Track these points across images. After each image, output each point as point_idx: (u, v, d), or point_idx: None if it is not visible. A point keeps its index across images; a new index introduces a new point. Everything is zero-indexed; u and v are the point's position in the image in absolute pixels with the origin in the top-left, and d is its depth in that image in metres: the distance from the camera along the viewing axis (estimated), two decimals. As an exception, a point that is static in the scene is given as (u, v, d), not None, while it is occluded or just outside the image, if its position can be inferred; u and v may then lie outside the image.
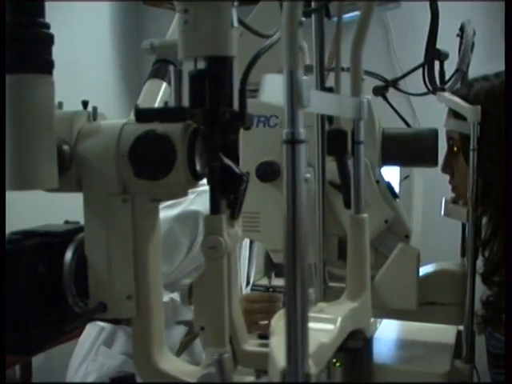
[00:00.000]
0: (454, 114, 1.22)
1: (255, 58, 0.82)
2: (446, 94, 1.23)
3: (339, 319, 0.68)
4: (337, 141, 0.77)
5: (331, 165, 1.20)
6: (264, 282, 2.23)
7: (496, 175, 1.16)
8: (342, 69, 1.38)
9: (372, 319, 1.39)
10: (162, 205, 1.55)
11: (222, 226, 0.70)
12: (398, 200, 1.25)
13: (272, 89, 0.54)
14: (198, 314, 0.73)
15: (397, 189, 1.89)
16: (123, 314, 0.75)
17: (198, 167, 0.73)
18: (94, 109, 0.78)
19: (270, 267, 2.33)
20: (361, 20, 0.76)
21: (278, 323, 0.65)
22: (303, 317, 0.53)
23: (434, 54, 1.27)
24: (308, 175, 0.53)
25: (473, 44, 1.39)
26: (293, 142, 0.52)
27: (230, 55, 0.72)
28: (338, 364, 1.16)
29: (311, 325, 0.67)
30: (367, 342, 0.74)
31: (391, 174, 1.90)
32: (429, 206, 1.68)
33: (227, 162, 0.71)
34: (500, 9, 2.16)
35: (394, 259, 1.18)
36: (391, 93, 1.39)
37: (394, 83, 1.32)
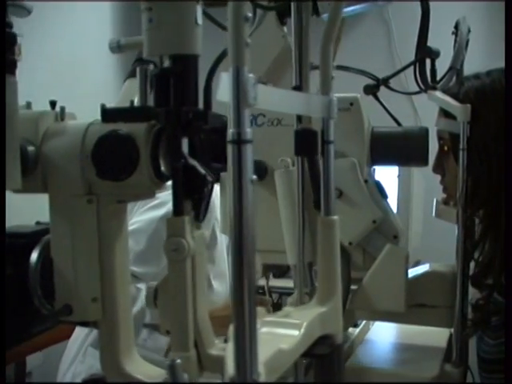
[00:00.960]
0: (445, 113, 1.19)
1: (221, 56, 0.81)
2: (437, 93, 1.21)
3: (304, 324, 0.67)
4: (305, 141, 0.75)
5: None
6: (261, 282, 2.21)
7: (485, 175, 1.13)
8: (343, 67, 1.36)
9: (364, 321, 1.38)
10: (148, 205, 1.54)
11: (185, 228, 0.68)
12: (387, 200, 1.23)
13: (224, 87, 0.53)
14: (163, 317, 0.72)
15: (395, 189, 1.88)
16: (89, 316, 0.74)
17: (163, 168, 0.72)
18: (62, 109, 0.77)
19: (268, 268, 2.31)
20: (330, 18, 0.74)
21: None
22: (251, 324, 0.51)
23: (425, 51, 1.24)
24: (254, 176, 0.51)
25: (467, 41, 1.36)
26: (239, 142, 0.50)
27: (194, 53, 0.70)
28: (324, 367, 1.15)
29: (273, 330, 0.66)
30: (337, 348, 0.72)
31: (391, 173, 1.88)
32: (430, 206, 1.65)
33: (192, 162, 0.70)
34: (500, 9, 2.12)
35: (382, 260, 1.17)
36: (392, 91, 1.37)
37: (385, 81, 1.29)
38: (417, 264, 1.89)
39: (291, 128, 1.21)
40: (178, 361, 0.60)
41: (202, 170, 0.71)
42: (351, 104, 1.18)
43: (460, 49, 1.34)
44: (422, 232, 2.01)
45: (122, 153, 0.69)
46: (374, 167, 1.26)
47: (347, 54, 2.21)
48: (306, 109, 0.70)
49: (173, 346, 0.69)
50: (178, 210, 0.69)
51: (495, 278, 1.13)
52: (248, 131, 0.50)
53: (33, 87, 2.27)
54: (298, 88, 0.87)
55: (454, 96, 1.18)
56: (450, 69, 1.33)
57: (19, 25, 2.14)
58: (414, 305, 1.21)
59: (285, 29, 1.28)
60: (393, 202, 1.86)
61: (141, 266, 1.48)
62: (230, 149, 0.50)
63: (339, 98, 1.18)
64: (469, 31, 1.39)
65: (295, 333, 0.65)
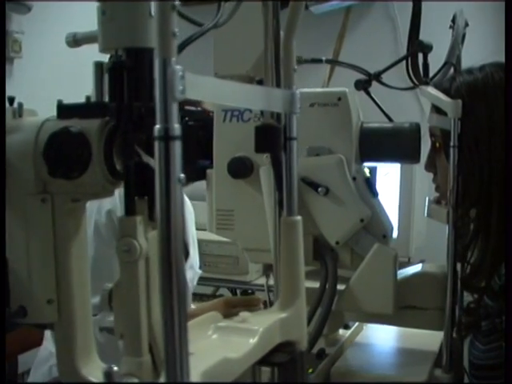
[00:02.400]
0: (436, 109, 1.15)
1: (182, 46, 0.78)
2: (428, 88, 1.16)
3: (260, 331, 0.64)
4: (266, 137, 0.72)
5: (303, 161, 1.16)
6: (261, 281, 2.18)
7: (476, 174, 1.09)
8: (334, 61, 1.33)
9: (357, 323, 1.34)
10: None
11: (137, 229, 0.65)
12: (378, 198, 1.19)
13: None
14: (117, 321, 0.69)
15: (397, 187, 1.84)
16: (44, 318, 0.72)
17: (117, 166, 0.69)
18: (20, 105, 0.75)
19: (269, 267, 2.28)
20: (292, 9, 0.70)
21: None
22: (181, 330, 0.49)
23: (416, 45, 1.20)
24: (182, 175, 0.48)
25: (464, 35, 1.32)
26: (166, 138, 0.47)
27: (149, 47, 0.68)
28: (310, 371, 1.12)
29: (225, 337, 0.63)
30: (300, 355, 0.69)
31: (392, 171, 1.84)
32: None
33: (146, 159, 0.67)
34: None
35: (370, 260, 1.13)
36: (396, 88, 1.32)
37: (376, 76, 1.25)
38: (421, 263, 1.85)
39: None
40: (115, 368, 0.57)
41: (157, 169, 0.68)
42: (339, 99, 1.14)
43: (455, 43, 1.30)
44: (427, 231, 1.97)
45: (73, 150, 0.67)
46: (365, 164, 1.22)
47: (353, 50, 2.17)
48: (265, 103, 0.66)
49: (125, 351, 0.67)
50: (129, 209, 0.66)
51: (485, 280, 1.09)
52: (176, 127, 0.47)
53: (33, 84, 2.28)
54: (261, 82, 0.83)
55: (446, 91, 1.13)
56: (446, 63, 1.28)
57: (20, 22, 2.14)
58: (404, 306, 1.17)
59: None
60: (394, 200, 1.82)
61: None
62: (156, 146, 0.47)
63: (327, 93, 1.17)
64: (466, 25, 1.34)
65: (248, 340, 0.62)
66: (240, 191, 1.19)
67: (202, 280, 2.16)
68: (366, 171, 1.82)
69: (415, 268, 1.21)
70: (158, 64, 0.47)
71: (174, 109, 0.47)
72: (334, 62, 1.23)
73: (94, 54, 0.96)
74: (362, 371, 1.14)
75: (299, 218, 0.72)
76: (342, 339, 1.27)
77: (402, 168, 1.81)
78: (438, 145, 1.18)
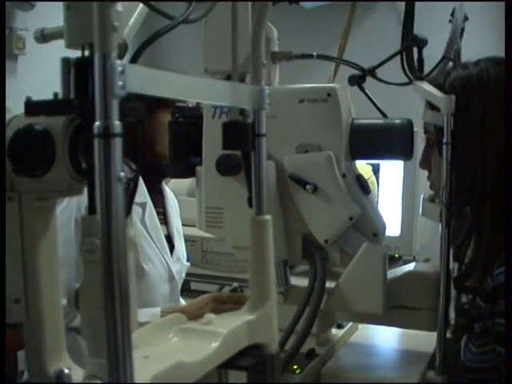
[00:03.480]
0: (430, 105, 1.12)
1: (150, 40, 0.77)
2: (423, 84, 1.14)
3: (224, 333, 0.62)
4: (234, 134, 0.70)
5: (292, 158, 1.14)
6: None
7: (469, 171, 1.06)
8: (326, 57, 1.30)
9: (351, 323, 1.32)
10: None
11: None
12: (369, 196, 1.17)
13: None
14: (83, 321, 0.68)
15: (399, 185, 1.80)
16: (11, 318, 0.71)
17: (83, 164, 0.68)
18: (-9, 101, 0.74)
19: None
20: (259, 4, 0.69)
21: (143, 334, 0.60)
22: (124, 335, 0.47)
23: (411, 40, 1.17)
24: (122, 174, 0.47)
25: (462, 30, 1.28)
26: (106, 135, 0.46)
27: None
28: (298, 371, 1.10)
29: (186, 340, 0.61)
30: (270, 358, 0.68)
31: (395, 169, 1.81)
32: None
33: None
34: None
35: (359, 259, 1.11)
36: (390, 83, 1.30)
37: (370, 72, 1.23)
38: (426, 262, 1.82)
39: (268, 120, 1.15)
40: (67, 370, 0.56)
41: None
42: (328, 94, 1.12)
43: (453, 37, 1.27)
44: (432, 229, 1.93)
45: (37, 148, 0.66)
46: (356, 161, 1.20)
47: (358, 46, 2.13)
48: (232, 99, 0.65)
49: (89, 352, 0.66)
50: (92, 208, 0.65)
51: (477, 281, 1.06)
52: (117, 124, 0.46)
53: (37, 81, 2.28)
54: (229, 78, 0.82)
55: (440, 87, 1.10)
56: (443, 58, 1.25)
57: (24, 19, 2.14)
58: (395, 306, 1.15)
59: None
60: (398, 198, 1.79)
61: None
62: (96, 143, 0.46)
63: (316, 89, 1.14)
64: (466, 19, 1.31)
65: (209, 343, 0.60)
66: (229, 189, 1.17)
67: (203, 278, 2.16)
68: (369, 168, 1.80)
69: (408, 267, 1.19)
70: (97, 59, 0.45)
71: (114, 105, 0.46)
72: (325, 58, 1.21)
73: None
74: (352, 372, 1.12)
75: (269, 217, 0.70)
76: (335, 339, 1.25)
77: (405, 165, 1.78)
78: (431, 142, 1.15)
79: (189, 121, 1.23)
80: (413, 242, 1.79)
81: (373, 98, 1.26)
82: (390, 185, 1.80)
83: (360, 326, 1.34)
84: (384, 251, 1.10)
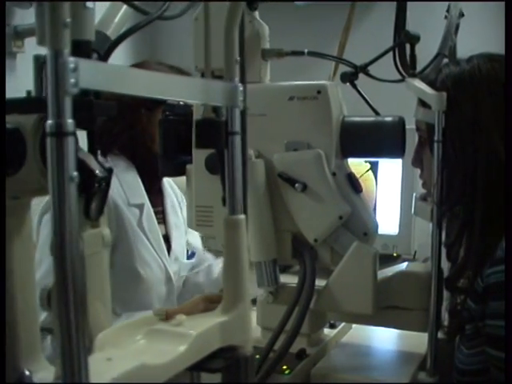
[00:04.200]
0: (422, 102, 1.10)
1: (122, 36, 0.76)
2: (414, 81, 1.12)
3: (194, 335, 0.61)
4: (207, 132, 0.69)
5: (281, 156, 1.12)
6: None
7: (460, 169, 1.04)
8: (317, 54, 1.29)
9: (343, 323, 1.31)
10: None
11: (69, 227, 0.63)
12: (360, 194, 1.15)
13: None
14: (55, 321, 0.67)
15: (398, 184, 1.78)
16: (-15, 318, 0.70)
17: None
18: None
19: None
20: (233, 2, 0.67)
21: (110, 335, 0.59)
22: (78, 336, 0.46)
23: (403, 36, 1.15)
24: (75, 173, 0.46)
25: (457, 26, 1.26)
26: (59, 134, 0.45)
27: (84, 39, 0.65)
28: (287, 372, 1.09)
29: (153, 342, 0.60)
30: (244, 360, 0.66)
31: (393, 167, 1.79)
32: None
33: (82, 156, 0.65)
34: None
35: (348, 259, 1.09)
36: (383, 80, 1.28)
37: (363, 69, 1.21)
38: (426, 261, 1.79)
39: (258, 118, 1.15)
40: (27, 372, 0.55)
41: (93, 165, 0.66)
42: (318, 92, 1.10)
43: (448, 33, 1.25)
44: (431, 228, 1.91)
45: (8, 146, 0.65)
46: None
47: (359, 44, 2.12)
48: (204, 96, 0.63)
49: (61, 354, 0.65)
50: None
51: (468, 281, 1.04)
52: (69, 122, 0.45)
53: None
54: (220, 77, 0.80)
55: (431, 83, 1.09)
56: (437, 55, 1.24)
57: (23, 16, 2.14)
58: (386, 307, 1.13)
59: (257, 13, 1.22)
60: (396, 197, 1.77)
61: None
62: (48, 142, 0.45)
63: (306, 86, 1.13)
64: (461, 15, 1.29)
65: (177, 345, 0.59)
66: (218, 187, 1.15)
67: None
68: (366, 166, 1.79)
69: (398, 267, 1.17)
70: (49, 56, 0.44)
71: (67, 103, 0.45)
72: (316, 55, 1.19)
73: None
74: (342, 373, 1.11)
75: (242, 216, 0.69)
76: (326, 339, 1.24)
77: (403, 163, 1.76)
78: (423, 139, 1.13)
79: (179, 119, 1.22)
80: (411, 240, 1.77)
81: (365, 96, 1.24)
82: (389, 183, 1.78)
83: (353, 325, 1.32)
84: (374, 251, 1.09)
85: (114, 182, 1.48)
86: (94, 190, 0.65)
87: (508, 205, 0.95)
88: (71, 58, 0.45)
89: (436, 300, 1.07)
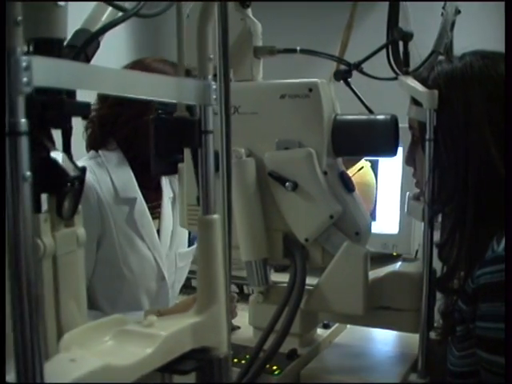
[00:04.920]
0: (414, 100, 1.09)
1: (95, 34, 0.76)
2: (407, 78, 1.10)
3: (163, 336, 0.60)
4: (179, 131, 0.68)
5: (272, 154, 1.12)
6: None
7: (451, 168, 1.02)
8: (310, 51, 1.27)
9: (337, 324, 1.30)
10: None
11: (40, 227, 0.63)
12: (353, 194, 1.14)
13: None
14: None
15: (398, 183, 1.76)
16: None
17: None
18: None
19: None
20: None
21: (78, 335, 0.58)
22: (32, 335, 0.46)
23: (396, 33, 1.14)
24: (28, 173, 0.45)
25: (453, 23, 1.25)
26: (12, 133, 0.44)
27: (56, 37, 0.65)
28: (276, 372, 1.08)
29: (121, 343, 0.60)
30: (217, 362, 0.66)
31: (393, 166, 1.77)
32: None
33: (55, 155, 0.65)
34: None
35: (339, 259, 1.08)
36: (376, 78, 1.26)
37: (356, 67, 1.20)
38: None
39: (250, 116, 1.15)
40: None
41: (66, 165, 0.65)
42: (310, 90, 1.09)
43: (443, 31, 1.23)
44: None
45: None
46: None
47: (362, 41, 2.10)
48: (175, 95, 0.63)
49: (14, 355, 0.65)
50: (34, 206, 0.63)
51: (459, 283, 1.02)
52: (23, 122, 0.44)
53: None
54: (188, 72, 0.80)
55: (424, 81, 1.07)
56: (432, 52, 1.22)
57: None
58: (378, 307, 1.12)
59: (249, 11, 1.21)
60: (396, 195, 1.75)
61: None
62: (7, 141, 0.44)
63: (297, 84, 1.12)
64: (458, 12, 1.27)
65: (145, 346, 0.58)
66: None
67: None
68: (365, 164, 1.77)
69: (391, 267, 1.15)
70: (6, 55, 0.44)
71: (20, 102, 0.44)
72: (308, 52, 1.18)
73: (106, 43, 0.96)
74: (332, 374, 1.10)
75: (217, 216, 0.68)
76: (319, 339, 1.23)
77: (404, 162, 1.74)
78: (416, 138, 1.12)
79: (172, 117, 1.21)
80: (411, 240, 1.76)
81: (358, 94, 1.23)
82: (389, 182, 1.76)
83: (348, 326, 1.31)
84: (365, 251, 1.08)
85: (104, 177, 1.47)
86: (66, 189, 0.65)
87: (508, 205, 0.93)
88: (24, 57, 0.44)
89: (428, 301, 1.06)
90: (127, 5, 0.73)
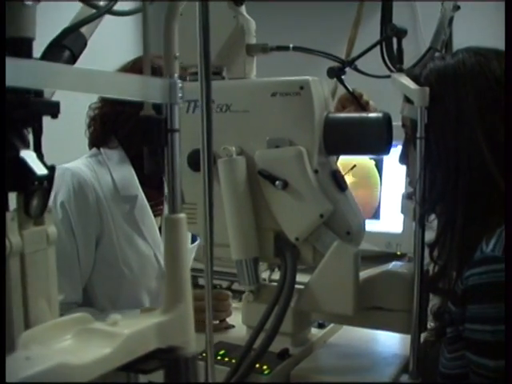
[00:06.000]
0: (407, 98, 1.07)
1: (66, 31, 0.76)
2: (399, 76, 1.09)
3: (126, 335, 0.60)
4: (146, 129, 0.68)
5: (262, 153, 1.11)
6: (265, 275, 2.13)
7: (442, 166, 1.01)
8: (303, 49, 1.26)
9: (332, 324, 1.29)
10: None
11: (7, 225, 0.63)
12: (346, 192, 1.13)
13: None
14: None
15: (402, 182, 1.74)
16: None
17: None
18: None
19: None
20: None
21: (38, 333, 0.59)
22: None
23: (390, 30, 1.12)
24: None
25: (451, 19, 1.23)
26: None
27: (24, 36, 0.65)
28: (266, 372, 1.08)
29: (81, 341, 0.60)
30: (184, 361, 0.65)
31: (397, 165, 1.75)
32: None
33: (24, 154, 0.65)
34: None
35: (329, 259, 1.07)
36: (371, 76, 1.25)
37: (350, 64, 1.19)
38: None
39: (241, 114, 1.14)
40: None
41: (33, 164, 0.65)
42: (301, 88, 1.08)
43: (441, 27, 1.21)
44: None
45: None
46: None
47: (371, 38, 2.08)
48: (141, 93, 0.63)
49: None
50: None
51: (449, 283, 1.01)
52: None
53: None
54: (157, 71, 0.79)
55: (416, 79, 1.05)
56: (429, 49, 1.20)
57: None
58: (370, 307, 1.11)
59: (243, 8, 1.20)
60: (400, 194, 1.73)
61: None
62: None
63: (289, 82, 1.11)
64: (457, 8, 1.25)
65: (106, 345, 0.58)
66: (202, 184, 1.15)
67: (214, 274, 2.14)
68: (370, 162, 1.75)
69: (383, 267, 1.14)
70: None
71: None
72: (301, 50, 1.17)
73: (109, 42, 0.96)
74: (322, 374, 1.09)
75: (183, 215, 0.67)
76: (313, 339, 1.22)
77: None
78: (409, 136, 1.10)
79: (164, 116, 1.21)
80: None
81: (351, 91, 1.21)
82: (393, 181, 1.74)
83: (344, 325, 1.30)
84: (355, 250, 1.06)
85: (104, 175, 1.47)
86: (33, 188, 0.65)
87: (508, 204, 0.91)
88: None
89: (419, 301, 1.04)
90: (101, 3, 0.74)
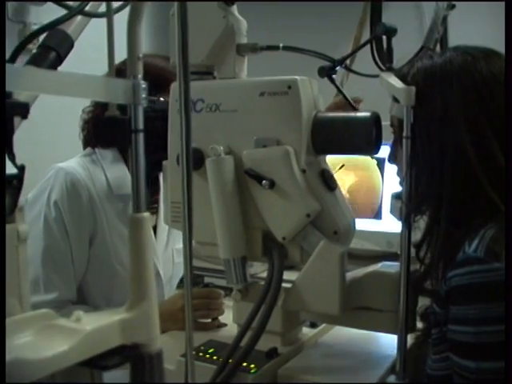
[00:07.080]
0: (395, 97, 1.07)
1: (37, 32, 0.77)
2: (386, 75, 1.08)
3: (87, 331, 0.61)
4: (109, 130, 0.69)
5: (250, 152, 1.11)
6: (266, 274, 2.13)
7: (427, 166, 1.00)
8: (295, 49, 1.26)
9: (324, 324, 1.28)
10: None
11: (-26, 223, 0.65)
12: (335, 192, 1.13)
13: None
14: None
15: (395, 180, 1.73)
16: None
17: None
18: None
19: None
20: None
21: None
22: None
23: (379, 29, 1.12)
24: None
25: (445, 17, 1.22)
26: None
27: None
28: (253, 371, 1.08)
29: (42, 337, 0.61)
30: (149, 358, 0.66)
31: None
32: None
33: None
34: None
35: (315, 258, 1.07)
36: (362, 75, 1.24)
37: (340, 63, 1.18)
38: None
39: (230, 114, 1.15)
40: None
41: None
42: (289, 87, 1.08)
43: (433, 26, 1.20)
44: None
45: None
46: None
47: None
48: (104, 94, 0.63)
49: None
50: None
51: (433, 284, 1.00)
52: None
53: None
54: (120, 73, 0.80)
55: (403, 78, 1.05)
56: (422, 48, 1.20)
57: (37, 13, 2.19)
58: (358, 307, 1.11)
59: (235, 8, 1.21)
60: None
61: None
62: None
63: (276, 81, 1.11)
64: (452, 7, 1.24)
65: (67, 341, 0.59)
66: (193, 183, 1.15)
67: (217, 272, 2.15)
68: (372, 162, 1.74)
69: (372, 267, 1.14)
70: None
71: None
72: (291, 49, 1.17)
73: (102, 43, 0.97)
74: (309, 374, 1.09)
75: (146, 214, 0.68)
76: (304, 338, 1.22)
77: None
78: (397, 135, 1.10)
79: (157, 114, 1.23)
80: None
81: (342, 90, 1.21)
82: (395, 180, 1.73)
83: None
84: (342, 250, 1.06)
85: (98, 174, 1.48)
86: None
87: (508, 204, 0.90)
88: None
89: (406, 302, 1.04)
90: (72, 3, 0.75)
